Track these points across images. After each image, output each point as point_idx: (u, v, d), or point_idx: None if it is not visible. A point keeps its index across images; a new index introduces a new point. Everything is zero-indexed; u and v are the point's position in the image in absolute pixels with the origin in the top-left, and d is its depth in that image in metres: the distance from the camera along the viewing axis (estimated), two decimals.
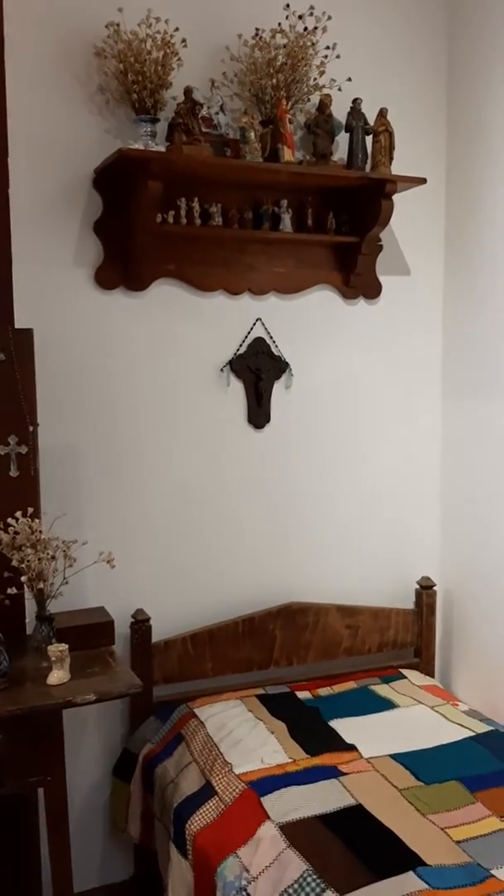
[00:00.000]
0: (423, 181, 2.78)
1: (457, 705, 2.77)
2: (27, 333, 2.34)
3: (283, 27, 2.65)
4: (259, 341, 2.86)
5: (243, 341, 2.84)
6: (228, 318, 2.81)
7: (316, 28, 2.66)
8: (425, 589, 3.12)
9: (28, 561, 2.13)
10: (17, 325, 2.47)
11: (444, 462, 3.20)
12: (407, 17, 2.99)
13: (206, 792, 2.28)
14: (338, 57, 2.71)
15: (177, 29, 2.45)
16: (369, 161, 2.76)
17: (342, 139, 2.76)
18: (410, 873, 1.87)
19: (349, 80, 2.74)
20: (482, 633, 3.02)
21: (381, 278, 3.03)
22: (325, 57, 2.69)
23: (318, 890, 1.85)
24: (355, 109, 2.73)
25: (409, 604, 3.14)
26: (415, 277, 3.10)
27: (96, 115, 2.57)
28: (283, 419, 2.92)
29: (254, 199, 2.74)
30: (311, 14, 2.66)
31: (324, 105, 2.70)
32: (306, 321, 2.93)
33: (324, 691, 2.83)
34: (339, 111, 2.72)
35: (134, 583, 2.71)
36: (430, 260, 3.13)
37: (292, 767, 2.33)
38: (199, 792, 2.30)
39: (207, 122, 2.57)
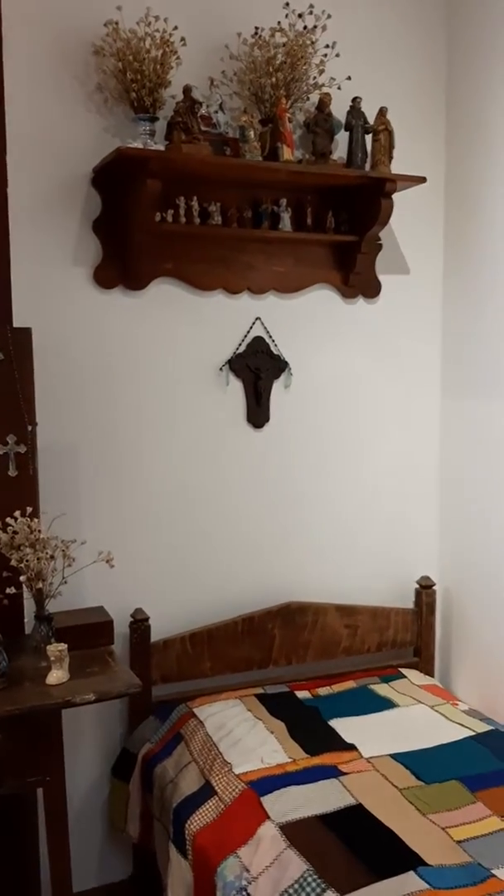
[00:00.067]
0: (422, 180, 2.77)
1: (457, 705, 2.77)
2: (26, 333, 2.34)
3: (283, 26, 2.64)
4: (258, 340, 2.85)
5: (242, 340, 2.83)
6: (227, 318, 2.81)
7: (315, 27, 2.66)
8: (425, 588, 3.12)
9: (27, 560, 2.13)
10: (15, 325, 2.46)
11: (444, 461, 3.20)
12: (406, 16, 2.98)
13: (206, 792, 2.28)
14: (337, 56, 2.70)
15: (176, 27, 2.45)
16: (369, 160, 2.76)
17: (342, 138, 2.76)
18: (411, 873, 1.87)
19: (349, 78, 2.74)
20: (482, 632, 3.01)
21: (381, 277, 3.03)
22: (325, 56, 2.69)
23: (318, 890, 1.84)
24: (355, 108, 2.72)
25: (408, 603, 3.14)
26: (414, 276, 3.10)
27: (95, 114, 2.56)
28: (282, 418, 2.92)
29: (253, 198, 2.74)
30: (311, 13, 2.65)
31: (323, 104, 2.70)
32: (305, 320, 2.93)
33: (323, 691, 2.83)
34: (339, 110, 2.71)
35: (133, 582, 2.71)
36: (430, 259, 3.12)
37: (292, 767, 2.33)
38: (198, 792, 2.30)
39: (206, 120, 2.57)
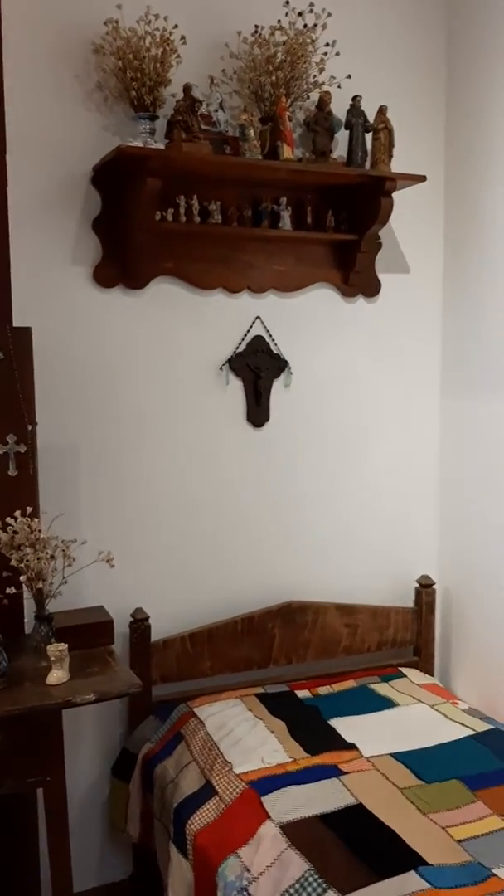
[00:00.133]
0: (422, 179, 2.77)
1: (457, 704, 2.77)
2: (26, 332, 2.33)
3: (283, 24, 2.64)
4: (258, 339, 2.85)
5: (242, 339, 2.83)
6: (227, 317, 2.80)
7: (315, 25, 2.65)
8: (424, 587, 3.12)
9: (27, 560, 2.12)
10: (15, 324, 2.46)
11: (443, 460, 3.19)
12: (406, 15, 2.98)
13: (207, 791, 2.28)
14: (337, 54, 2.70)
15: (176, 26, 2.44)
16: (369, 158, 2.75)
17: (342, 136, 2.76)
18: (412, 873, 1.87)
19: (349, 77, 2.74)
20: (481, 631, 3.01)
21: (381, 276, 3.03)
22: (325, 54, 2.68)
23: (319, 890, 1.84)
24: (355, 107, 2.72)
25: (408, 602, 3.14)
26: (414, 275, 3.10)
27: (95, 113, 2.56)
28: (282, 418, 2.92)
29: (253, 197, 2.73)
30: (311, 11, 2.65)
31: (323, 102, 2.70)
32: (305, 319, 2.92)
33: (323, 690, 2.83)
34: (339, 108, 2.71)
35: (133, 582, 2.71)
36: (430, 258, 3.12)
37: (292, 767, 2.33)
38: (199, 791, 2.30)
39: (206, 119, 2.56)
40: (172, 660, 2.74)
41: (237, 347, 2.83)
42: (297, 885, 1.88)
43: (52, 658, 2.06)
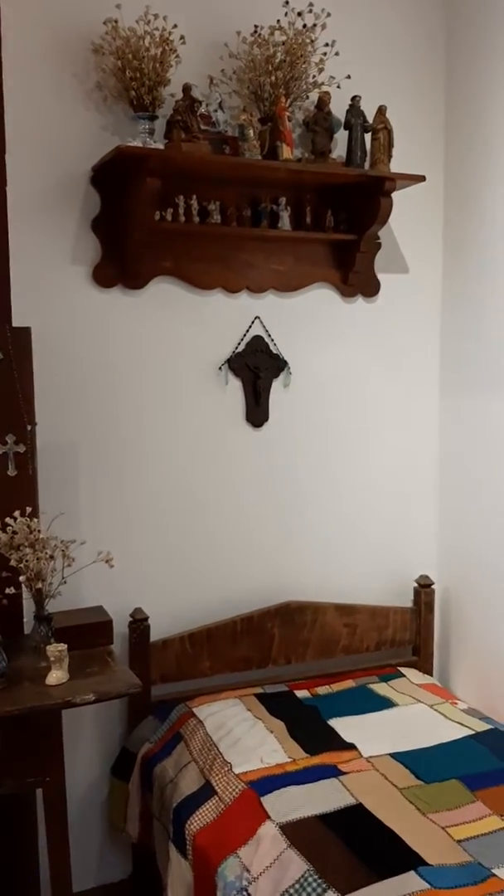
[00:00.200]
0: (421, 179, 2.77)
1: (456, 704, 2.77)
2: (25, 332, 2.33)
3: (282, 24, 2.64)
4: (257, 339, 2.85)
5: (241, 339, 2.83)
6: (227, 317, 2.80)
7: (315, 25, 2.65)
8: (423, 587, 3.12)
9: (26, 560, 2.12)
10: (14, 324, 2.46)
11: (442, 460, 3.20)
12: (406, 15, 2.98)
13: (206, 792, 2.28)
14: (337, 54, 2.70)
15: (175, 26, 2.44)
16: (368, 158, 2.75)
17: (341, 137, 2.76)
18: (412, 873, 1.87)
19: (348, 77, 2.74)
20: (480, 631, 3.02)
21: (380, 276, 3.03)
22: (324, 54, 2.68)
23: (319, 890, 1.84)
24: (354, 107, 2.72)
25: (407, 602, 3.14)
26: (413, 275, 3.10)
27: (94, 112, 2.56)
28: (281, 418, 2.92)
29: (252, 197, 2.73)
30: (311, 11, 2.65)
31: (323, 102, 2.70)
32: (305, 319, 2.92)
33: (322, 690, 2.83)
34: (338, 108, 2.71)
35: (132, 582, 2.71)
36: (429, 258, 3.12)
37: (292, 767, 2.33)
38: (198, 792, 2.30)
39: (206, 119, 2.56)
40: (171, 660, 2.74)
41: (236, 347, 2.83)
42: (297, 886, 1.88)
43: (52, 658, 2.06)
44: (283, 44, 2.62)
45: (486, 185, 2.88)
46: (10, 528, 2.15)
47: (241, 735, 2.48)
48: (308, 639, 2.94)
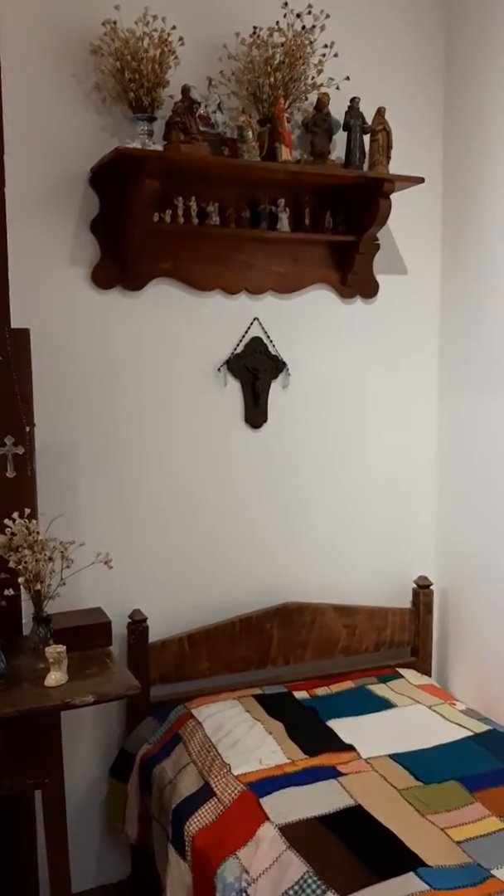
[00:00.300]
0: (420, 180, 2.77)
1: (454, 705, 2.77)
2: (24, 334, 2.33)
3: (281, 25, 2.63)
4: (256, 341, 2.85)
5: (240, 341, 2.83)
6: (225, 318, 2.80)
7: (314, 26, 2.65)
8: (422, 588, 3.12)
9: (25, 562, 2.12)
10: (13, 325, 2.45)
11: (441, 461, 3.20)
12: (405, 16, 2.98)
13: (205, 793, 2.28)
14: (336, 55, 2.70)
15: (174, 27, 2.44)
16: (367, 160, 2.75)
17: (340, 138, 2.76)
18: (411, 874, 1.87)
19: (347, 78, 2.74)
20: (479, 632, 3.02)
21: (379, 277, 3.03)
22: (323, 55, 2.68)
23: (318, 892, 1.84)
24: (353, 108, 2.72)
25: (405, 603, 3.14)
26: (412, 276, 3.10)
27: (93, 114, 2.56)
28: (280, 419, 2.92)
29: (251, 198, 2.73)
30: (310, 12, 2.65)
31: (321, 104, 2.70)
32: (303, 320, 2.92)
33: (321, 691, 2.83)
34: (337, 110, 2.71)
35: (131, 583, 2.71)
36: (428, 259, 3.12)
37: (291, 768, 2.33)
38: (197, 793, 2.30)
39: (205, 120, 2.56)
40: (170, 661, 2.74)
41: (235, 348, 2.83)
42: (297, 887, 1.88)
43: (51, 660, 2.06)
44: (282, 45, 2.62)
45: (485, 185, 2.88)
46: (8, 529, 2.15)
47: (240, 736, 2.48)
48: (307, 640, 2.94)
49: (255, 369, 2.85)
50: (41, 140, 2.49)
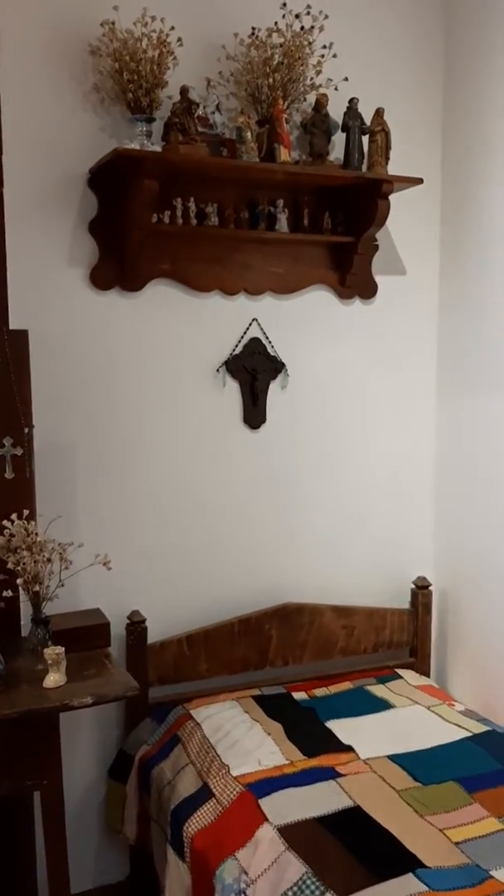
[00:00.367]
0: (419, 181, 2.77)
1: (453, 705, 2.77)
2: (22, 335, 2.33)
3: (280, 26, 2.63)
4: (255, 341, 2.85)
5: (239, 341, 2.83)
6: (224, 319, 2.80)
7: (313, 27, 2.65)
8: (421, 589, 3.12)
9: (24, 563, 2.12)
10: (11, 327, 2.45)
11: (440, 461, 3.20)
12: (404, 17, 2.98)
13: (204, 794, 2.28)
14: (334, 56, 2.70)
15: (172, 28, 2.44)
16: (365, 161, 2.75)
17: (339, 139, 2.75)
18: (410, 875, 1.88)
19: (346, 79, 2.74)
20: (478, 632, 3.02)
21: (377, 278, 3.03)
22: (322, 56, 2.68)
23: (317, 893, 1.84)
24: (352, 109, 2.72)
25: (404, 604, 3.14)
26: (410, 277, 3.10)
27: (91, 114, 2.55)
28: (278, 419, 2.92)
29: (250, 199, 2.73)
30: (308, 13, 2.65)
31: (320, 104, 2.69)
32: (302, 321, 2.92)
33: (320, 692, 2.83)
34: (336, 111, 2.71)
35: (129, 584, 2.71)
36: (426, 260, 3.12)
37: (289, 769, 2.33)
38: (196, 794, 2.30)
39: (203, 121, 2.56)
40: (169, 662, 2.74)
41: (234, 349, 2.83)
42: (296, 888, 1.88)
43: (49, 661, 2.06)
44: (281, 46, 2.62)
45: (484, 186, 2.88)
46: (7, 531, 2.15)
47: (239, 737, 2.48)
48: (306, 640, 2.94)
49: (254, 370, 2.85)
50: (40, 141, 2.49)
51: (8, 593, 2.16)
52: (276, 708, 2.68)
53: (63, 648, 2.08)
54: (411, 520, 3.20)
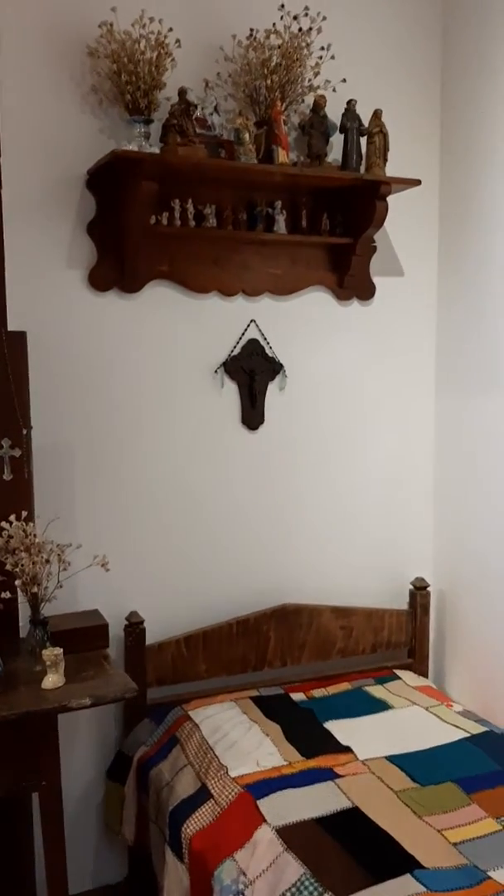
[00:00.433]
0: (417, 182, 2.77)
1: (451, 706, 2.78)
2: (20, 336, 2.33)
3: (278, 28, 2.64)
4: (253, 342, 2.85)
5: (237, 343, 2.83)
6: (222, 320, 2.80)
7: (310, 29, 2.65)
8: (419, 589, 3.13)
9: (22, 565, 2.12)
10: (9, 328, 2.45)
11: (438, 462, 3.20)
12: (401, 18, 2.98)
13: (202, 795, 2.28)
14: (332, 58, 2.70)
15: (170, 29, 2.44)
16: (364, 162, 2.75)
17: (337, 140, 2.76)
18: (408, 876, 1.88)
19: (344, 81, 2.74)
20: (476, 633, 3.02)
21: (375, 279, 3.03)
22: (320, 58, 2.68)
23: (315, 894, 1.85)
24: (350, 110, 2.72)
25: (402, 604, 3.15)
26: (408, 279, 3.10)
27: (89, 116, 2.56)
28: (277, 420, 2.92)
29: (248, 200, 2.73)
30: (306, 14, 2.65)
31: (318, 106, 2.69)
32: (300, 322, 2.93)
33: (318, 692, 2.83)
34: (334, 112, 2.71)
35: (128, 585, 2.71)
36: (424, 261, 3.13)
37: (288, 770, 2.33)
38: (194, 795, 2.30)
39: (201, 122, 2.56)
40: (167, 662, 2.74)
41: (232, 350, 2.83)
42: (294, 889, 1.88)
43: (48, 662, 2.06)
44: (279, 47, 2.62)
45: (482, 187, 2.88)
46: (5, 532, 2.15)
47: (237, 738, 2.48)
48: (304, 641, 2.95)
49: (252, 371, 2.85)
50: (38, 142, 2.49)
51: (6, 595, 2.16)
52: (274, 709, 2.68)
53: (61, 650, 2.08)
54: (410, 520, 3.21)
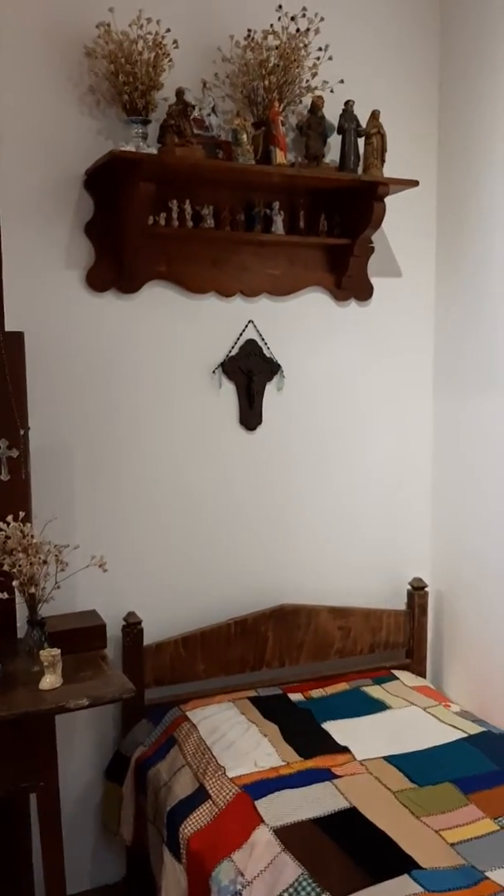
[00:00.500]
0: (415, 183, 2.78)
1: (449, 706, 2.78)
2: (18, 336, 2.33)
3: (276, 28, 2.64)
4: (251, 343, 2.85)
5: (235, 343, 2.83)
6: (220, 320, 2.81)
7: (308, 29, 2.65)
8: (417, 590, 3.13)
9: (20, 565, 2.12)
10: (7, 328, 2.45)
11: (436, 463, 3.20)
12: (399, 19, 2.98)
13: (200, 795, 2.28)
14: (330, 59, 2.70)
15: (168, 30, 2.44)
16: (361, 163, 2.75)
17: (334, 141, 2.76)
18: (406, 876, 1.88)
19: (341, 81, 2.74)
20: (473, 633, 3.02)
21: (373, 280, 3.03)
22: (318, 59, 2.69)
23: (313, 894, 1.85)
24: (347, 111, 2.72)
25: (400, 605, 3.15)
26: (406, 279, 3.10)
27: (87, 116, 2.56)
28: (274, 421, 2.92)
29: (246, 201, 2.74)
30: (304, 15, 2.65)
31: (316, 107, 2.69)
32: (298, 323, 2.93)
33: (316, 693, 2.84)
34: (332, 113, 2.71)
35: (125, 585, 2.71)
36: (422, 262, 3.13)
37: (286, 770, 2.33)
38: (192, 795, 2.30)
39: (199, 123, 2.57)
40: (165, 663, 2.74)
41: (230, 351, 2.83)
42: (292, 890, 1.88)
43: (45, 663, 2.06)
44: (277, 48, 2.62)
45: (480, 188, 2.89)
46: (2, 532, 2.15)
47: (235, 739, 2.48)
48: (302, 641, 2.95)
49: (250, 371, 2.85)
50: (36, 143, 2.49)
51: (4, 595, 2.16)
52: (272, 709, 2.68)
53: (59, 651, 2.08)
54: (408, 521, 3.21)
